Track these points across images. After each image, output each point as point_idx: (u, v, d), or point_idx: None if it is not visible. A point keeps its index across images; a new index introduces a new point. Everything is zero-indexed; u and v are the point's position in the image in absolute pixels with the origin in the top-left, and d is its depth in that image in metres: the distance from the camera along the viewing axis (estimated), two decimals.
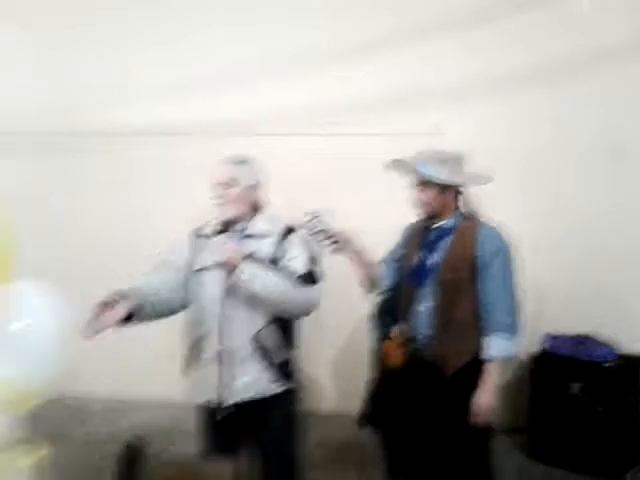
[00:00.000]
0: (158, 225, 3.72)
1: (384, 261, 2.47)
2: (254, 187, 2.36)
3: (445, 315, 2.22)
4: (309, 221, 2.23)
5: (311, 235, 2.25)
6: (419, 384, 2.31)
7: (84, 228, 4.05)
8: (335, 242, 2.23)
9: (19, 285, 1.10)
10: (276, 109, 3.68)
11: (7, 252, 1.05)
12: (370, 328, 3.54)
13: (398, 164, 2.28)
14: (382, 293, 2.53)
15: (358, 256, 2.30)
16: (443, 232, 2.27)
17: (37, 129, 3.91)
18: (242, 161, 2.36)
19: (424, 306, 2.28)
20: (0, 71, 4.06)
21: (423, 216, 2.31)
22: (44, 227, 3.88)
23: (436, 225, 2.28)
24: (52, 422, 1.62)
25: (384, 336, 3.39)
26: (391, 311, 3.29)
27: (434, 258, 2.25)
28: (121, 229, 4.03)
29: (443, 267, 2.22)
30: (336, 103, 3.67)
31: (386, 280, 2.46)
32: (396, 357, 3.21)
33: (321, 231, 2.22)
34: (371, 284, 2.43)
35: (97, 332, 1.93)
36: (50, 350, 1.14)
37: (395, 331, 3.26)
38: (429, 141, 2.59)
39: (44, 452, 1.12)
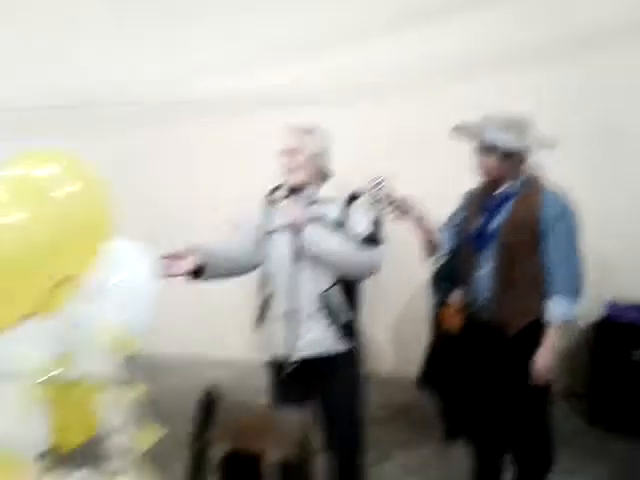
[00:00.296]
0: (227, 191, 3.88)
1: (444, 226, 2.51)
2: (320, 155, 2.44)
3: (506, 277, 2.25)
4: (372, 187, 2.28)
5: (374, 202, 2.31)
6: (480, 345, 2.36)
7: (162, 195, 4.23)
8: (398, 208, 2.27)
9: (117, 242, 1.22)
10: (335, 77, 3.71)
11: (107, 212, 1.16)
12: (428, 293, 3.60)
13: (462, 129, 2.30)
14: (442, 258, 2.57)
15: (420, 222, 2.35)
16: (506, 197, 2.29)
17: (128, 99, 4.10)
18: (308, 129, 2.43)
19: (485, 269, 2.32)
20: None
21: (485, 181, 2.33)
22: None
23: (499, 190, 2.30)
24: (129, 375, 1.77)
25: (441, 301, 3.45)
26: (449, 277, 3.33)
27: (496, 222, 2.28)
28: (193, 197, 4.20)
29: (505, 230, 2.25)
30: (396, 70, 3.68)
31: (446, 245, 2.49)
32: (453, 323, 3.26)
33: (384, 198, 2.27)
34: (432, 249, 2.48)
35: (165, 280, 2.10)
36: (143, 303, 1.26)
37: (453, 297, 3.32)
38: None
39: (142, 389, 1.26)
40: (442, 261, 3.25)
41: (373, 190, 2.27)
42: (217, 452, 2.09)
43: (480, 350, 2.37)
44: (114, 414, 1.21)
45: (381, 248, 2.36)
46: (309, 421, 1.99)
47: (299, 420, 1.95)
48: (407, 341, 4.17)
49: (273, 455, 2.03)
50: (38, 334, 0.96)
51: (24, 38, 4.25)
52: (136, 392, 1.24)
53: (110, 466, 1.27)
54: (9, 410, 0.93)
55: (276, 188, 2.53)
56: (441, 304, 3.44)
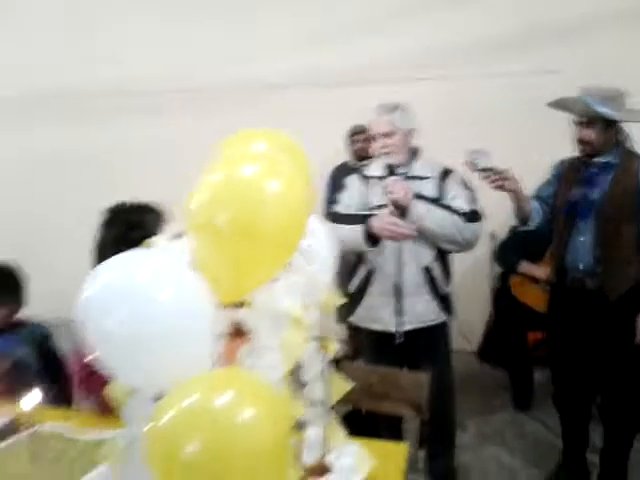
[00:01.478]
0: None
1: (534, 196, 2.56)
2: (411, 132, 2.51)
3: (608, 245, 2.32)
4: (474, 158, 2.32)
5: (475, 171, 2.35)
6: (582, 311, 2.43)
7: None
8: (500, 178, 2.32)
9: None
10: (417, 52, 3.70)
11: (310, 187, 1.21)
12: (493, 264, 3.67)
13: (561, 103, 2.36)
14: (527, 228, 2.60)
15: (517, 193, 2.40)
16: (604, 167, 2.35)
17: (169, 87, 4.09)
18: (396, 108, 2.48)
19: (584, 237, 2.38)
20: (130, 31, 4.24)
21: (585, 152, 2.38)
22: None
23: (597, 160, 2.36)
24: None
25: (509, 272, 3.53)
26: (518, 247, 3.41)
27: (595, 192, 2.34)
28: None
29: (607, 199, 2.32)
30: (477, 42, 3.67)
31: (535, 215, 2.53)
32: (525, 292, 3.36)
33: (486, 168, 2.31)
34: (523, 219, 2.53)
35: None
36: (329, 268, 1.35)
37: (522, 267, 3.39)
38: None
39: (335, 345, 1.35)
40: (514, 232, 3.33)
41: (474, 160, 2.31)
42: (338, 411, 2.19)
43: (579, 314, 2.43)
44: (315, 365, 1.30)
45: (481, 222, 2.44)
46: (426, 384, 2.09)
47: (427, 379, 2.05)
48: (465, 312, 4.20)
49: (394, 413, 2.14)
50: (289, 289, 1.06)
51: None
52: (333, 346, 1.33)
53: (303, 415, 1.36)
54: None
55: (342, 166, 2.58)
56: (509, 274, 3.54)
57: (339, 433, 1.42)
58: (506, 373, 3.68)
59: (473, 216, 2.41)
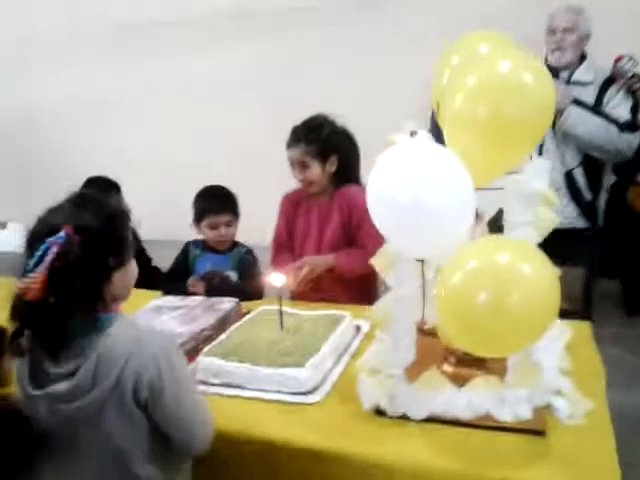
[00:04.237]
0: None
1: None
2: (587, 36, 2.53)
3: None
4: (623, 64, 2.35)
5: (623, 78, 2.38)
6: None
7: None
8: None
9: None
10: None
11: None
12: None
13: None
14: None
15: None
16: None
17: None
18: (581, 10, 2.52)
19: None
20: None
21: None
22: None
23: None
24: None
25: (627, 182, 3.54)
26: (636, 157, 3.41)
27: None
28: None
29: None
30: None
31: None
32: None
33: (634, 74, 2.34)
34: None
35: None
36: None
37: None
38: None
39: None
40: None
41: (624, 66, 2.33)
42: None
43: None
44: None
45: (638, 134, 2.46)
46: (579, 277, 2.23)
47: (582, 273, 2.19)
48: None
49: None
50: (537, 173, 1.21)
51: None
52: None
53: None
54: None
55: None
56: (623, 185, 3.56)
57: None
58: (615, 283, 3.77)
59: (630, 126, 2.44)
